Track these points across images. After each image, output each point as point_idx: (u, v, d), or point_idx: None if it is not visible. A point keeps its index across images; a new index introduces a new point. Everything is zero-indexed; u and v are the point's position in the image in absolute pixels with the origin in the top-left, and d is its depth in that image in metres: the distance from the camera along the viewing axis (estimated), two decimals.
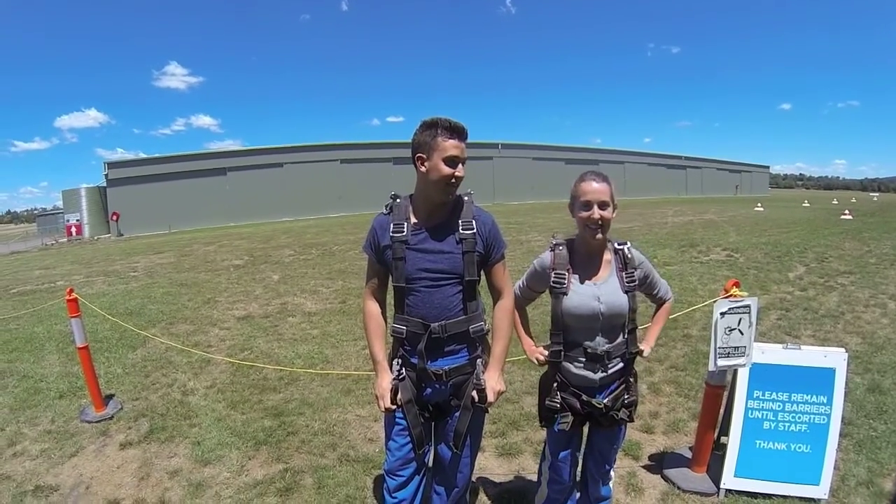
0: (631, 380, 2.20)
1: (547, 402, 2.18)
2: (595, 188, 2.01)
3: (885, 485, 2.95)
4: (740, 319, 2.63)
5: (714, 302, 2.68)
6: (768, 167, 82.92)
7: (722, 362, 2.67)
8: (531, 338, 2.31)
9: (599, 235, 2.03)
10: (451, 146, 1.86)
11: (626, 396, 2.16)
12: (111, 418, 4.01)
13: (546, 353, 2.15)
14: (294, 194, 35.21)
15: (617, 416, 2.14)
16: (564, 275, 2.07)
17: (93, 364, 4.13)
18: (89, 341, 4.35)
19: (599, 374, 2.10)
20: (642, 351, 2.18)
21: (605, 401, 2.12)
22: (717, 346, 2.64)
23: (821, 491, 2.79)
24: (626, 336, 2.12)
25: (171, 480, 3.19)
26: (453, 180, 1.88)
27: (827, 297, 7.24)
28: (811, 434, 2.83)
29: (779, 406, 2.86)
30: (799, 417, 2.85)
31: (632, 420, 2.23)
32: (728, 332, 2.63)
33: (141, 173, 31.99)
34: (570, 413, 2.14)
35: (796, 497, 2.81)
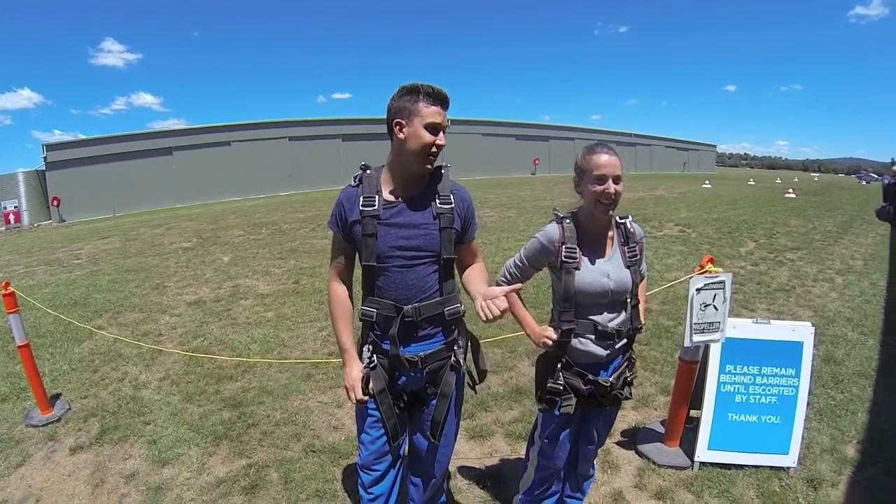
0: (633, 357, 2.15)
1: (549, 384, 2.06)
2: (609, 160, 1.89)
3: (848, 451, 3.06)
4: (715, 295, 2.61)
5: (689, 278, 2.66)
6: (715, 146, 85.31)
7: (697, 338, 2.65)
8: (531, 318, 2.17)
9: (611, 211, 1.94)
10: (432, 112, 1.71)
11: (628, 374, 2.11)
12: (59, 420, 3.70)
13: (554, 335, 2.00)
14: (242, 173, 33.89)
15: (621, 394, 2.09)
16: (575, 249, 1.95)
17: (35, 362, 3.79)
18: (31, 336, 3.99)
19: (607, 351, 2.03)
20: (642, 326, 2.13)
21: (610, 378, 2.05)
22: (693, 321, 2.62)
23: (790, 460, 2.87)
24: (629, 312, 2.06)
25: (127, 485, 2.97)
26: (434, 149, 1.74)
27: (778, 272, 7.51)
28: (780, 406, 2.89)
29: (750, 379, 2.90)
30: (769, 390, 2.90)
31: (630, 397, 2.18)
32: (703, 308, 2.61)
33: (82, 155, 30.18)
34: (573, 396, 2.05)
35: (767, 466, 2.88)
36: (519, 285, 1.91)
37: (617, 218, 2.03)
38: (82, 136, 33.11)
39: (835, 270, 7.62)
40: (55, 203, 28.78)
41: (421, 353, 1.87)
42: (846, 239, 10.33)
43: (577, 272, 1.95)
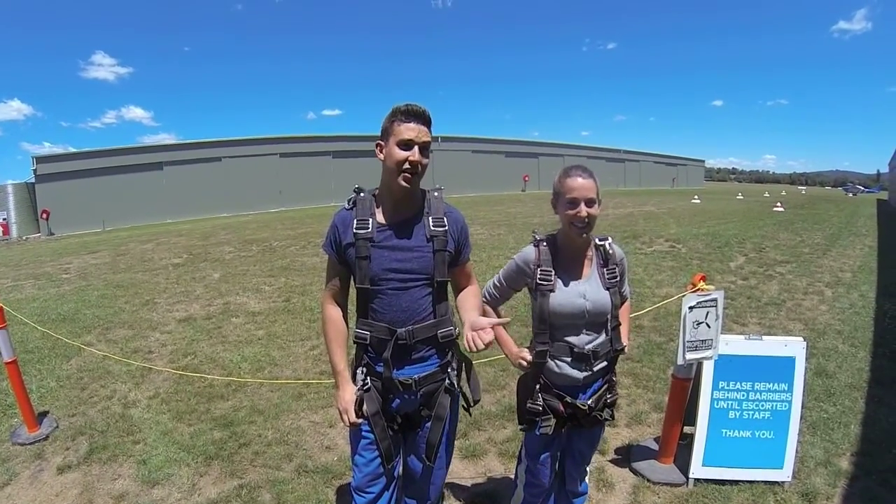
0: (613, 379, 2.15)
1: (529, 404, 2.08)
2: (581, 184, 1.90)
3: (842, 463, 3.08)
4: (707, 313, 2.63)
5: (682, 296, 2.67)
6: (703, 161, 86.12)
7: (690, 356, 2.67)
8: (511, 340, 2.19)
9: (585, 234, 1.95)
10: (405, 129, 1.72)
11: (608, 396, 2.11)
12: (46, 438, 3.63)
13: (529, 356, 2.04)
14: (232, 189, 33.79)
15: (600, 416, 2.08)
16: (550, 272, 1.98)
17: (23, 379, 3.73)
18: (19, 352, 3.93)
19: (584, 373, 2.03)
20: (624, 348, 2.13)
21: (588, 401, 2.05)
22: (686, 339, 2.64)
23: (784, 474, 2.87)
24: (609, 334, 2.06)
25: None
26: (407, 165, 1.73)
27: (768, 286, 7.57)
28: (774, 421, 2.90)
29: (743, 395, 2.92)
30: (762, 405, 2.91)
31: (612, 419, 2.18)
32: (696, 326, 2.63)
33: (72, 168, 29.99)
34: (552, 416, 2.05)
35: (762, 481, 2.88)
36: (507, 319, 1.92)
37: (596, 240, 2.05)
38: (73, 149, 32.91)
39: (824, 283, 7.70)
40: (44, 216, 28.53)
41: (415, 376, 1.87)
42: (834, 251, 10.45)
43: (551, 294, 1.97)
